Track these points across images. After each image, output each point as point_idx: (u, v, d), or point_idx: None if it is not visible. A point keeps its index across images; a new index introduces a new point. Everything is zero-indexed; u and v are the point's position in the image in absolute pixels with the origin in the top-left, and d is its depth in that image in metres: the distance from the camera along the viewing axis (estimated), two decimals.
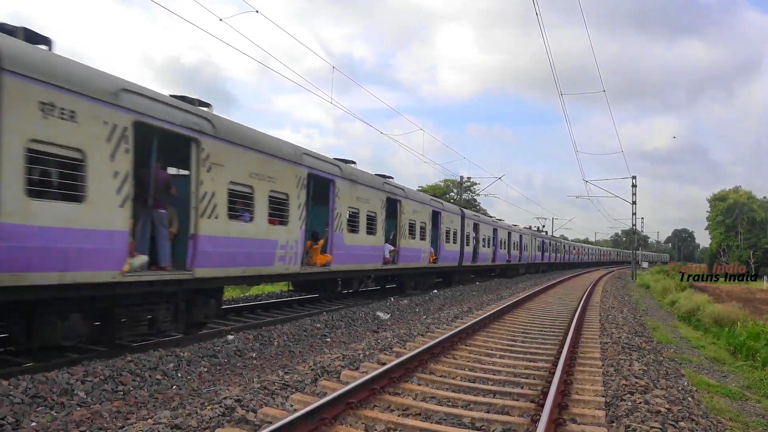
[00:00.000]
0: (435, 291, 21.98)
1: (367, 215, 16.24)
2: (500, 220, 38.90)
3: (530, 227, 51.98)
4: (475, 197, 73.31)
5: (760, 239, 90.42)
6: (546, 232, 62.83)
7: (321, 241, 14.29)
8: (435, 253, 22.68)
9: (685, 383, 9.37)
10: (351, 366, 8.22)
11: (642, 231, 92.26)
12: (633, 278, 48.19)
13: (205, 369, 8.68)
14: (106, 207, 7.67)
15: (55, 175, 7.10)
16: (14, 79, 6.44)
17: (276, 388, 6.81)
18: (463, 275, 28.64)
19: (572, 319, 13.37)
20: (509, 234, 38.79)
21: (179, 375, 8.23)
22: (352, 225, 15.57)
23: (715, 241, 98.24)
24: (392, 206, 18.59)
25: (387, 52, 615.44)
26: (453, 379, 7.96)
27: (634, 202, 48.81)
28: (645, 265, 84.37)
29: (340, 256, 14.64)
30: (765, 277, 55.17)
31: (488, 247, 32.42)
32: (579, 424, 6.21)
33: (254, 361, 9.34)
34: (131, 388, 7.41)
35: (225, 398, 6.26)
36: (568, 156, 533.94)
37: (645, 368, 8.99)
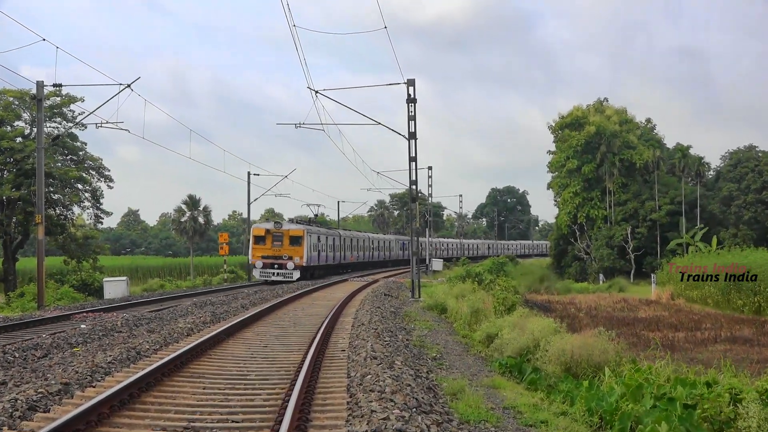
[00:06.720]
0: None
1: (332, 243, 41.83)
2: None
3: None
4: (74, 133, 35.66)
5: (645, 204, 48.32)
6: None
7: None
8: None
9: None
10: None
11: (431, 196, 51.25)
12: (415, 294, 25.07)
13: None
14: (331, 251, 41.44)
15: (321, 246, 38.89)
16: (309, 233, 35.76)
17: None
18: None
19: (291, 387, 7.37)
20: None
21: None
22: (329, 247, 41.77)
23: (566, 208, 53.01)
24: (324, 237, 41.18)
25: None
26: None
27: (412, 135, 24.79)
28: (438, 266, 48.96)
29: (319, 258, 38.70)
30: (653, 275, 35.35)
31: None
32: None
33: None
34: None
35: None
36: (272, 35, 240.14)
37: None
